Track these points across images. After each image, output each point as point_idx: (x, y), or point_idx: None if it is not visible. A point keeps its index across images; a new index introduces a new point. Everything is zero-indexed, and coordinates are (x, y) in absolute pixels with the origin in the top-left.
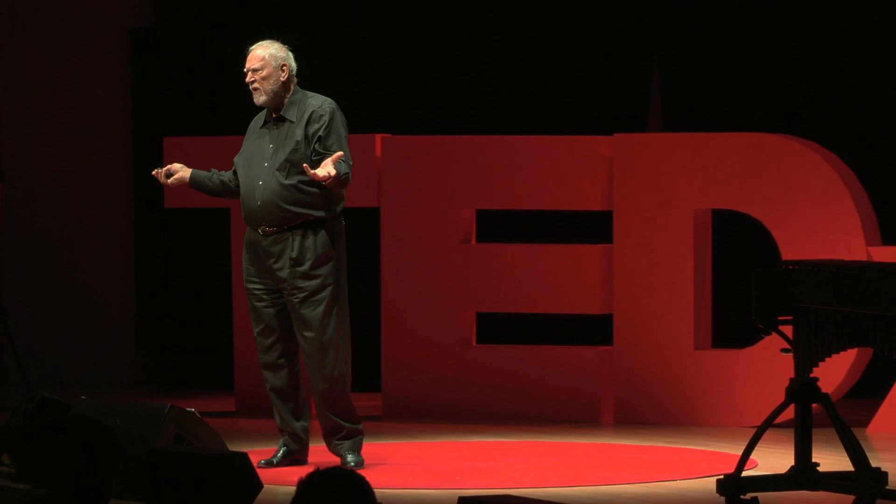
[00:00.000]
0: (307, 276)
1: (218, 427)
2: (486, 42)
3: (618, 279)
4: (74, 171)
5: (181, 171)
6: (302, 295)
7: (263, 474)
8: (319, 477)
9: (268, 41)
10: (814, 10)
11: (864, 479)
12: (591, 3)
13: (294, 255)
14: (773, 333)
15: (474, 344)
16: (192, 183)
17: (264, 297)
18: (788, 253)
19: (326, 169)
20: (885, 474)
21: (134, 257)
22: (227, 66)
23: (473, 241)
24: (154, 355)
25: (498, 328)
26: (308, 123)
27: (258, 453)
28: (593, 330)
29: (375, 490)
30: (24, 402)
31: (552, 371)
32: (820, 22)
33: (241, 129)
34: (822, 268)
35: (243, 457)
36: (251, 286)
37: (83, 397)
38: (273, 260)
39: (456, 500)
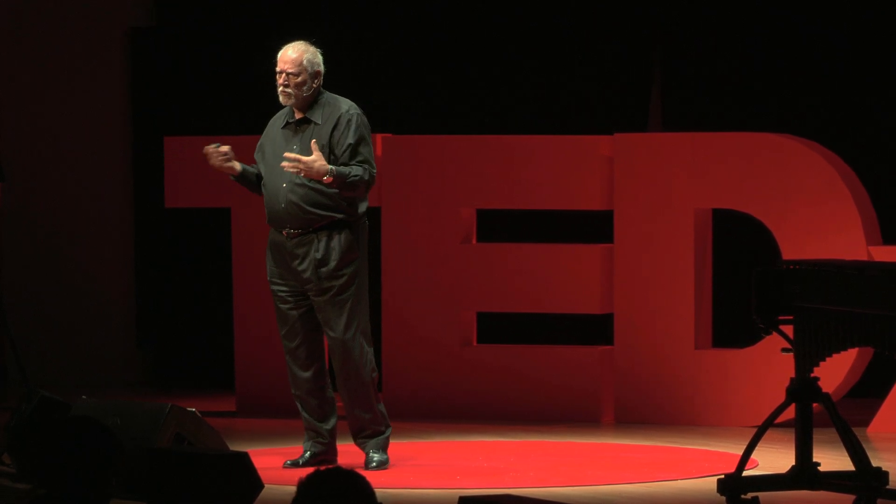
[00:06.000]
0: (332, 275)
1: (218, 427)
2: (487, 42)
3: (618, 279)
4: (74, 171)
5: (233, 162)
6: (327, 294)
7: (269, 475)
8: (319, 477)
9: (301, 43)
10: (814, 10)
11: (864, 478)
12: (591, 3)
13: (319, 256)
14: (774, 333)
15: (474, 344)
16: (240, 176)
17: (289, 298)
18: (789, 252)
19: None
20: (886, 474)
21: (134, 257)
22: (227, 66)
23: (473, 241)
24: (154, 355)
25: (498, 328)
26: (335, 128)
27: (258, 453)
28: (593, 330)
29: (376, 490)
30: (24, 402)
31: (552, 371)
32: (820, 22)
33: (241, 129)
34: (823, 267)
35: (243, 457)
36: (276, 288)
37: (83, 397)
38: (297, 262)
39: (456, 500)
